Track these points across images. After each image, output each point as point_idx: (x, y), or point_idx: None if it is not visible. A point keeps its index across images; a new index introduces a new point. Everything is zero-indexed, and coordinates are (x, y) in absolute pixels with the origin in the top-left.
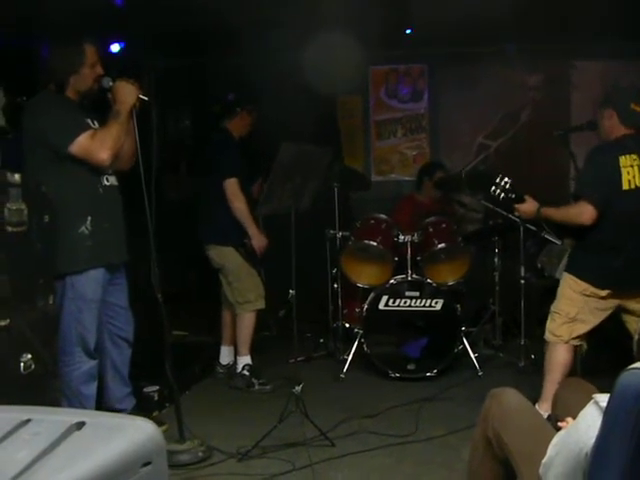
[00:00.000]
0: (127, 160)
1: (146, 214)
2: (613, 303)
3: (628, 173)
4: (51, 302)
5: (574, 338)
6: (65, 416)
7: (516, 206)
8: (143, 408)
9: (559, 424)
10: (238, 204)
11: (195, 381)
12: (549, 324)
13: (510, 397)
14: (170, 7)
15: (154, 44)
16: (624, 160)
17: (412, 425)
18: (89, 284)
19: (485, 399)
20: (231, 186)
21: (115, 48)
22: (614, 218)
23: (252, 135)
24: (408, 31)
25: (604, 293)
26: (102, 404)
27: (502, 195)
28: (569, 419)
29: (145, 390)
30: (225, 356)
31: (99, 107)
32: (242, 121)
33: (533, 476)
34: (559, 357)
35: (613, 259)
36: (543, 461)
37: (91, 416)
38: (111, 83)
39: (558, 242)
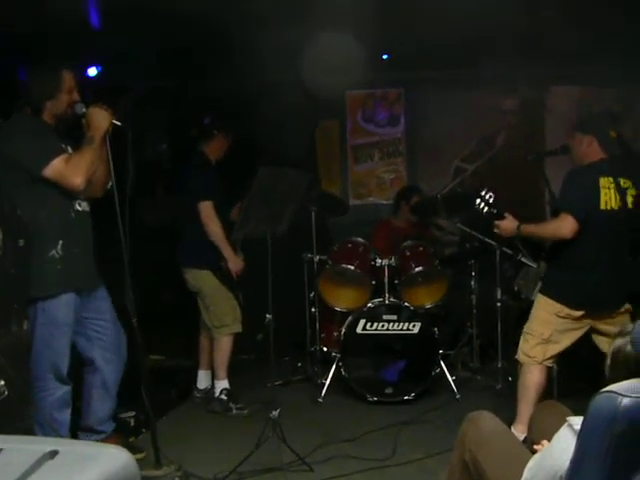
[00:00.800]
0: (100, 187)
1: (120, 239)
2: (585, 323)
3: (605, 194)
4: (25, 327)
5: (547, 359)
6: (38, 445)
7: (496, 223)
8: (119, 434)
9: (535, 447)
10: (213, 227)
11: (172, 406)
12: (522, 345)
13: (487, 421)
14: (149, 29)
15: (132, 66)
16: (603, 181)
17: (390, 449)
18: (60, 308)
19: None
20: (206, 209)
21: (92, 72)
22: (590, 235)
23: (231, 158)
24: (385, 56)
25: (578, 314)
26: (80, 424)
27: (485, 208)
28: (544, 442)
29: (121, 416)
30: (202, 380)
31: (74, 132)
32: (219, 144)
33: None
34: (533, 378)
35: (587, 277)
36: None
37: (64, 445)
38: (84, 109)
39: (534, 265)
